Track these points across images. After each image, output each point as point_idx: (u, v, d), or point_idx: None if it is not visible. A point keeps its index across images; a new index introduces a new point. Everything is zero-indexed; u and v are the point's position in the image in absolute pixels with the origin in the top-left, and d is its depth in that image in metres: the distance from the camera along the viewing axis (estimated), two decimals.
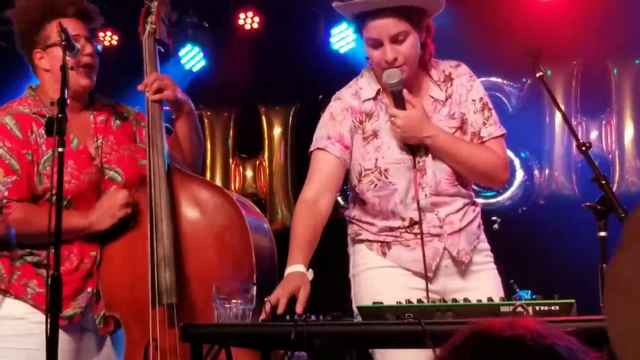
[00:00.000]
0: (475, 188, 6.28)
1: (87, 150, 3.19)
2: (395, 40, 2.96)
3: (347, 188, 3.27)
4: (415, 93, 3.09)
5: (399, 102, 3.01)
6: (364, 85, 3.12)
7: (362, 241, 3.14)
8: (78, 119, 3.18)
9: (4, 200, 3.01)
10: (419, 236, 3.05)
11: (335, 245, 3.42)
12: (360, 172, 3.06)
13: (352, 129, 3.06)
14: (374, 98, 3.09)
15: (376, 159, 3.05)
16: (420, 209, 3.04)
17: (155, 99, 3.16)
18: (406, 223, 3.07)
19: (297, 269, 2.81)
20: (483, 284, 3.11)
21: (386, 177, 3.05)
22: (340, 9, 3.01)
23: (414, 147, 3.05)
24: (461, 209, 3.14)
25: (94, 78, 3.21)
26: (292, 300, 2.67)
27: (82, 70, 3.14)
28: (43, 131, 3.01)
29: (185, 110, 3.27)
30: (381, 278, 3.07)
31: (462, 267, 3.12)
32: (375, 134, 3.07)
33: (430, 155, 3.07)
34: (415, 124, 3.00)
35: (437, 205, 3.09)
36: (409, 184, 3.05)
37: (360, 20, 2.99)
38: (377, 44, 2.97)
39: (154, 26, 3.23)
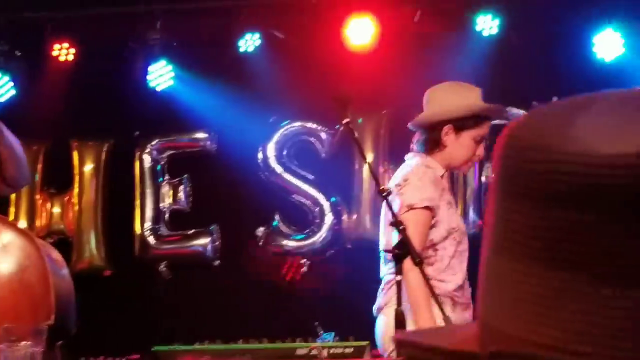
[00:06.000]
0: (286, 231, 6.43)
1: None
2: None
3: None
4: None
5: None
6: (433, 165, 3.72)
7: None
8: None
9: None
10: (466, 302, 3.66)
11: None
12: (448, 230, 3.62)
13: (440, 196, 3.64)
14: (442, 176, 3.72)
15: (457, 222, 3.73)
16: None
17: None
18: (462, 282, 3.65)
19: None
20: None
21: (464, 237, 3.71)
22: (485, 108, 3.73)
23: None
24: None
25: None
26: None
27: None
28: None
29: None
30: None
31: None
32: (450, 204, 3.72)
33: None
34: None
35: None
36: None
37: (479, 119, 3.68)
38: (482, 141, 3.70)
39: None
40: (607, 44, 5.96)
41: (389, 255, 3.41)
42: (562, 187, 0.50)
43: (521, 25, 6.10)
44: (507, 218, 0.53)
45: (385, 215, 3.66)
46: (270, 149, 6.43)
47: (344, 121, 3.43)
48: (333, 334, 4.61)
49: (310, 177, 6.42)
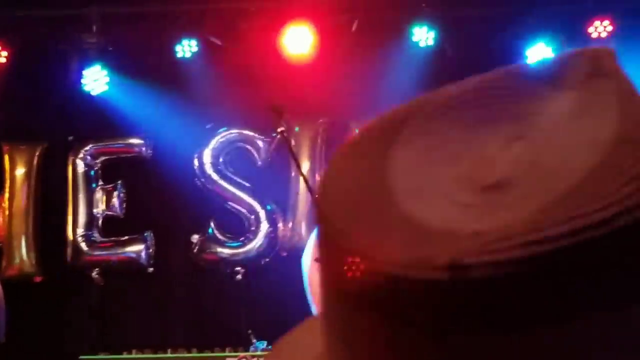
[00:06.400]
0: (221, 238, 6.40)
1: None
2: None
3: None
4: None
5: None
6: None
7: None
8: None
9: None
10: None
11: None
12: None
13: None
14: None
15: None
16: None
17: None
18: None
19: None
20: None
21: None
22: None
23: None
24: None
25: None
26: None
27: None
28: None
29: None
30: None
31: None
32: None
33: None
34: None
35: None
36: None
37: None
38: None
39: None
40: (540, 58, 6.10)
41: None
42: (361, 292, 0.46)
43: (455, 37, 6.20)
44: (323, 302, 0.51)
45: None
46: (207, 156, 6.40)
47: (279, 129, 3.43)
48: (265, 342, 4.61)
49: (247, 184, 6.41)
